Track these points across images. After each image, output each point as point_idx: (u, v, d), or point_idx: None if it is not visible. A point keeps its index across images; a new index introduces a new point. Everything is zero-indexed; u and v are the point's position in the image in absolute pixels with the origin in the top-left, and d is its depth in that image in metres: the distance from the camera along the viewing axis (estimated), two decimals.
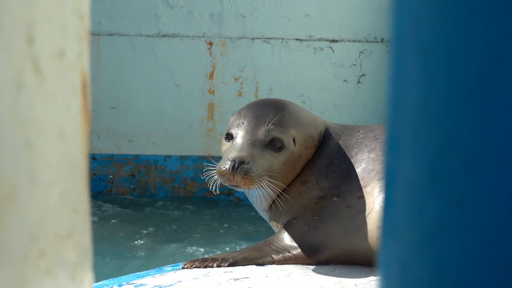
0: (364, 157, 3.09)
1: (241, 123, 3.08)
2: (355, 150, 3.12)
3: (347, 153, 3.12)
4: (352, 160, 3.10)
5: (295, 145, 3.05)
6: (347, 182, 3.06)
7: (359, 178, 3.04)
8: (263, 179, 2.93)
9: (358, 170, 3.07)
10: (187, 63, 7.07)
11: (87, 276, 1.19)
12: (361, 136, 3.17)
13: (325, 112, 7.12)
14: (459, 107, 0.73)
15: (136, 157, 7.13)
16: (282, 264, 3.07)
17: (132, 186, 7.14)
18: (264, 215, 3.27)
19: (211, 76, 7.10)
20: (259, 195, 3.12)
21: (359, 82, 7.16)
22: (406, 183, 0.80)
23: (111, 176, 7.16)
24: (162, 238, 5.86)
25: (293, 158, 3.05)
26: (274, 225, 3.24)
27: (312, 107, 7.14)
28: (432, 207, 0.78)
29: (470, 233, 0.75)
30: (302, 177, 3.12)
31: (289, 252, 3.05)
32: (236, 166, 2.90)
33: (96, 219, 6.25)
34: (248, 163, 2.93)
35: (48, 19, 0.99)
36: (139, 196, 7.08)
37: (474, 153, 0.73)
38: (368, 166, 3.07)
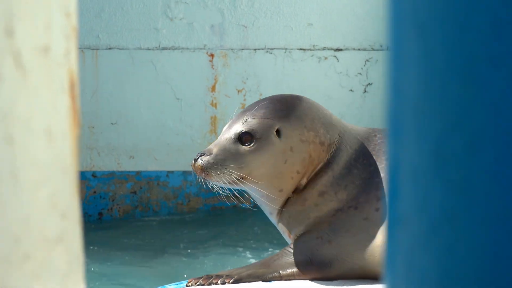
0: (383, 165, 3.05)
1: (230, 119, 3.13)
2: (374, 157, 3.07)
3: (365, 161, 3.06)
4: (371, 169, 3.05)
5: (279, 136, 3.01)
6: (366, 193, 3.02)
7: (378, 189, 3.02)
8: (221, 170, 2.95)
9: (377, 179, 3.04)
10: (188, 76, 7.11)
11: (80, 286, 1.16)
12: (378, 141, 3.12)
13: None
14: (460, 85, 0.71)
15: (138, 173, 7.15)
16: (290, 280, 3.04)
17: (134, 204, 7.15)
18: (272, 219, 3.21)
19: (213, 88, 7.13)
20: (263, 197, 3.08)
21: (365, 91, 7.19)
22: (409, 170, 0.79)
23: (112, 194, 7.17)
24: (165, 255, 5.86)
25: (276, 149, 3.00)
26: (284, 232, 3.19)
27: None
28: (437, 194, 0.77)
29: (476, 219, 0.73)
30: (320, 187, 3.07)
31: (299, 267, 3.02)
32: (196, 157, 3.00)
33: (97, 238, 6.25)
34: (208, 155, 2.99)
35: (31, 13, 0.98)
36: (141, 214, 7.12)
37: (477, 134, 0.71)
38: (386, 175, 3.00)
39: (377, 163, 3.06)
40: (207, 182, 3.00)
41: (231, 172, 2.97)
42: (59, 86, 1.12)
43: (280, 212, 3.13)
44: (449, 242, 0.77)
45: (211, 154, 2.99)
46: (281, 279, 3.04)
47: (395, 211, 0.82)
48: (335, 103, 7.14)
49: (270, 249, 5.90)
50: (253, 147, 2.99)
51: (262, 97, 6.94)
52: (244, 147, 2.98)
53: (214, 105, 7.14)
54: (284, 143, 3.02)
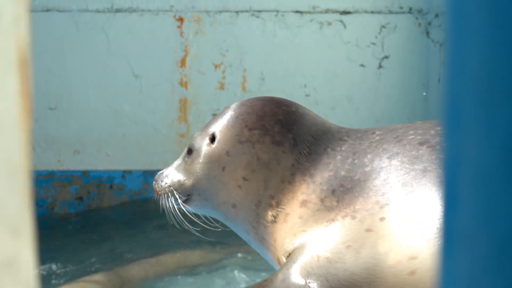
0: (384, 165, 3.16)
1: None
2: (369, 156, 3.20)
3: (357, 160, 3.20)
4: (366, 170, 3.17)
5: (212, 143, 3.34)
6: (363, 199, 3.13)
7: (379, 194, 3.12)
8: (166, 191, 3.45)
9: (376, 182, 3.15)
10: (150, 47, 7.08)
11: None
12: (377, 138, 3.25)
13: (336, 107, 7.17)
14: None
15: (85, 173, 7.13)
16: None
17: (79, 213, 7.11)
18: (255, 247, 3.40)
19: (183, 63, 7.11)
20: (221, 219, 3.39)
21: (380, 66, 7.20)
22: (474, 172, 0.79)
23: (50, 200, 7.15)
24: (128, 273, 5.83)
25: (210, 156, 3.34)
26: (273, 260, 3.34)
27: (319, 101, 7.19)
28: (510, 202, 0.76)
29: None
30: (299, 196, 3.23)
31: None
32: (154, 178, 3.59)
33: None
34: (159, 175, 3.55)
35: None
36: (88, 225, 7.03)
37: None
38: (389, 176, 3.14)
39: (376, 163, 3.17)
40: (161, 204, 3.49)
41: (173, 190, 3.41)
42: (5, 63, 1.13)
43: (261, 238, 3.30)
44: None
45: (162, 173, 3.54)
46: None
47: (454, 225, 0.82)
48: (341, 82, 7.17)
49: (263, 275, 5.89)
50: (190, 160, 3.40)
51: (247, 74, 7.11)
52: (185, 163, 3.44)
53: (184, 84, 7.12)
54: (217, 148, 3.33)
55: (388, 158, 3.17)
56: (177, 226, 3.50)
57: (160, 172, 3.52)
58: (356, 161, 3.21)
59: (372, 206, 3.10)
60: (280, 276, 3.14)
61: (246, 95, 7.09)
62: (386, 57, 7.21)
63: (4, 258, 1.09)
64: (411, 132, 3.22)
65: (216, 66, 7.12)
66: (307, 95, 7.17)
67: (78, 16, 7.03)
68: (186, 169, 3.43)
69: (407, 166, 3.13)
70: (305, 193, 3.23)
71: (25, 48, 1.17)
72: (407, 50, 7.12)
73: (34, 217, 1.18)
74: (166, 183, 3.43)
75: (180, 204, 3.38)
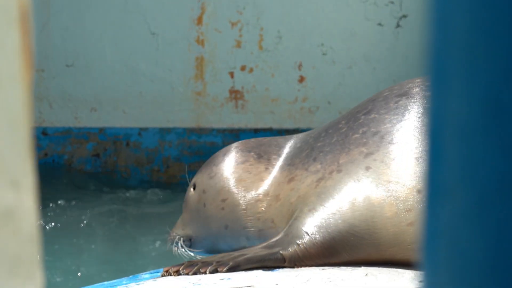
0: (360, 121, 3.27)
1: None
2: (342, 122, 3.33)
3: (330, 130, 3.36)
4: (342, 131, 3.30)
5: (193, 190, 3.63)
6: (345, 153, 3.24)
7: (361, 145, 3.22)
8: (176, 240, 3.64)
9: (356, 136, 3.25)
10: (167, 4, 7.06)
11: (35, 276, 1.19)
12: (345, 113, 3.43)
13: (353, 66, 7.14)
14: None
15: (101, 131, 7.14)
16: (296, 263, 3.16)
17: (96, 170, 7.16)
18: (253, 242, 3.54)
19: (200, 20, 7.09)
20: (221, 244, 3.56)
21: (398, 25, 7.16)
22: (456, 127, 0.81)
23: (67, 157, 7.16)
24: (138, 237, 5.94)
25: (193, 202, 3.61)
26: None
27: (336, 60, 7.16)
28: (492, 157, 0.79)
29: None
30: (285, 179, 3.38)
31: (301, 245, 3.16)
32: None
33: (50, 213, 6.31)
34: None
35: None
36: (105, 182, 7.09)
37: None
38: (369, 129, 3.24)
39: (351, 122, 3.30)
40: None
41: (179, 240, 3.63)
42: (4, 15, 1.13)
43: (260, 231, 3.43)
44: (505, 217, 0.80)
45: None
46: (284, 262, 3.16)
47: (437, 180, 0.84)
48: (358, 41, 7.13)
49: None
50: (183, 210, 3.66)
51: (264, 32, 7.08)
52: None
53: (200, 42, 7.11)
54: (197, 192, 3.61)
55: (363, 114, 3.27)
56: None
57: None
58: (330, 131, 3.35)
59: (356, 157, 3.19)
60: (283, 233, 3.20)
61: (263, 54, 7.08)
62: (404, 16, 7.16)
63: (4, 209, 1.11)
64: (386, 91, 3.32)
65: (233, 24, 7.10)
66: (323, 54, 7.14)
67: None
68: (182, 217, 3.71)
69: (385, 117, 3.20)
70: (290, 174, 3.37)
71: (26, 2, 1.18)
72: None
73: (36, 169, 1.20)
74: (172, 233, 3.69)
75: (187, 250, 3.61)
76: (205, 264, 3.14)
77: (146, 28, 7.05)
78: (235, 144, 3.72)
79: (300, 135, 3.59)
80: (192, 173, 7.02)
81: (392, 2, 7.11)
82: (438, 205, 0.85)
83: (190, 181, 3.72)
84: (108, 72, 7.05)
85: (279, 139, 3.68)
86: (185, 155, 7.09)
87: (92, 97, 7.08)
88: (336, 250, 3.15)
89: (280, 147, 3.56)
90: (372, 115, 3.24)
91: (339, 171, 3.22)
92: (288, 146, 3.55)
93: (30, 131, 1.19)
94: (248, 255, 3.16)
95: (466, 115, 0.80)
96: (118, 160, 7.15)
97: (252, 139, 3.74)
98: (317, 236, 3.15)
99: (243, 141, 3.73)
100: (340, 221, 3.15)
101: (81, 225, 6.18)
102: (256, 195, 3.47)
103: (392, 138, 3.15)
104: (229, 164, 3.60)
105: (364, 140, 3.22)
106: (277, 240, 3.20)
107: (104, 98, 7.08)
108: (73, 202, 6.62)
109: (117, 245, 5.82)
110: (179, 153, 7.10)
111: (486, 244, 0.81)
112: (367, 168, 3.18)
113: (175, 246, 3.62)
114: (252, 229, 3.47)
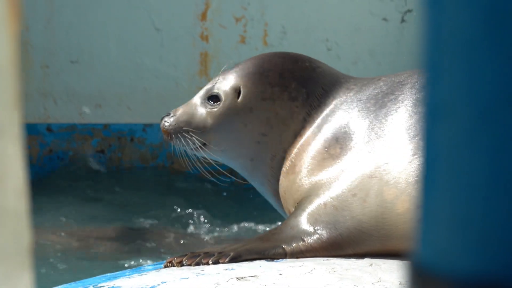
0: (387, 110, 3.21)
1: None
2: (372, 101, 3.24)
3: (360, 107, 3.25)
4: (371, 116, 3.21)
5: (238, 97, 3.36)
6: (369, 144, 3.17)
7: (382, 138, 3.16)
8: (182, 133, 3.38)
9: (379, 126, 3.19)
10: (171, 0, 7.07)
11: (23, 229, 1.18)
12: (381, 84, 3.29)
13: (358, 62, 7.11)
14: None
15: (106, 126, 7.12)
16: (298, 257, 3.14)
17: (100, 166, 7.12)
18: (273, 202, 3.44)
19: (204, 16, 7.08)
20: (237, 169, 3.41)
21: (403, 20, 7.14)
22: (455, 40, 0.79)
23: (72, 153, 7.14)
24: (142, 230, 5.94)
25: (235, 111, 3.37)
26: (286, 213, 3.36)
27: (341, 56, 7.13)
28: (493, 70, 0.76)
29: None
30: (307, 148, 3.29)
31: (305, 241, 3.14)
32: (162, 117, 3.47)
33: (53, 210, 6.31)
34: (173, 115, 3.44)
35: None
36: (110, 178, 7.08)
37: None
38: (393, 121, 3.17)
39: (378, 108, 3.22)
40: (173, 146, 3.42)
41: (192, 136, 3.36)
42: None
43: (274, 190, 3.36)
44: (507, 131, 0.78)
45: (175, 115, 3.43)
46: (285, 256, 3.15)
47: (435, 99, 0.82)
48: (363, 36, 7.11)
49: (278, 221, 5.92)
50: (216, 109, 3.40)
51: (268, 28, 7.07)
52: (208, 110, 3.41)
53: (204, 38, 7.09)
54: (242, 103, 3.38)
55: (391, 102, 3.22)
56: (190, 170, 3.54)
57: (172, 112, 3.47)
58: (359, 108, 3.26)
59: (375, 151, 3.14)
60: (289, 224, 3.18)
61: (267, 49, 7.06)
62: (409, 11, 7.14)
63: None
64: (417, 76, 3.25)
65: (237, 20, 7.09)
66: (328, 49, 7.13)
67: None
68: (206, 115, 3.42)
69: (410, 109, 3.16)
70: (311, 144, 3.30)
71: None
72: None
73: (22, 120, 1.18)
74: (180, 124, 3.41)
75: (196, 148, 3.39)
76: (207, 255, 3.13)
77: (151, 24, 7.05)
78: (294, 59, 3.45)
79: (357, 82, 3.37)
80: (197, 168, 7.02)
81: None
82: (435, 127, 0.83)
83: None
84: (112, 68, 7.05)
85: (336, 75, 3.44)
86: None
87: (96, 93, 7.08)
88: (341, 246, 3.14)
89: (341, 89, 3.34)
90: (397, 105, 3.20)
91: (356, 163, 3.17)
92: (334, 92, 3.35)
93: (16, 80, 1.17)
94: (249, 246, 3.16)
95: (465, 28, 0.78)
96: (123, 156, 7.14)
97: (313, 60, 3.47)
98: (324, 232, 3.14)
99: (302, 57, 3.46)
100: (348, 217, 3.13)
101: (86, 219, 6.20)
102: (283, 152, 3.37)
103: (413, 135, 3.09)
104: (284, 95, 3.39)
105: (386, 134, 3.17)
106: (280, 230, 3.18)
107: (109, 93, 7.08)
108: (77, 198, 6.63)
109: (122, 239, 5.82)
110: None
111: (487, 161, 0.79)
112: (386, 164, 3.13)
113: (191, 148, 3.38)
114: (269, 183, 3.41)
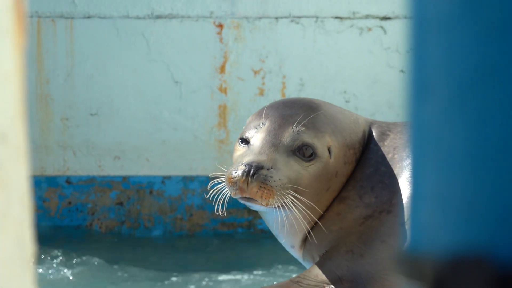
0: None
1: (261, 124, 3.16)
2: (407, 150, 3.21)
3: (397, 155, 3.17)
4: (405, 163, 3.14)
5: (330, 157, 3.12)
6: (401, 193, 3.10)
7: None
8: (287, 193, 3.00)
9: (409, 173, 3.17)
10: (190, 53, 7.14)
11: (25, 235, 1.18)
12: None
13: (376, 113, 7.18)
14: None
15: (125, 179, 7.17)
16: None
17: (119, 219, 7.19)
18: (295, 253, 3.32)
19: (222, 69, 7.15)
20: (286, 227, 3.16)
21: None
22: (435, 19, 0.82)
23: (91, 206, 7.18)
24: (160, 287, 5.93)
25: (327, 173, 3.12)
26: (309, 263, 3.27)
27: (359, 108, 7.20)
28: (469, 46, 0.80)
29: None
30: (340, 193, 3.19)
31: None
32: (252, 171, 2.98)
33: (73, 263, 6.32)
34: (268, 168, 3.01)
35: None
36: (129, 231, 7.16)
37: None
38: None
39: (406, 169, 3.17)
40: (250, 205, 3.04)
41: (297, 198, 3.03)
42: None
43: (304, 243, 3.24)
44: (484, 107, 0.81)
45: (273, 168, 3.02)
46: None
47: (420, 77, 0.86)
48: (381, 88, 7.17)
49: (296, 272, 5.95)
50: (313, 165, 3.08)
51: (286, 80, 7.12)
52: (303, 164, 3.07)
53: (223, 90, 7.16)
54: (333, 165, 3.14)
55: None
56: (243, 220, 3.37)
57: (262, 166, 3.03)
58: (396, 156, 3.17)
59: (409, 200, 3.10)
60: (313, 272, 3.11)
61: None
62: None
63: None
64: None
65: (255, 72, 7.16)
66: (347, 101, 7.17)
67: (119, 23, 7.12)
68: (302, 171, 3.13)
69: None
70: (345, 189, 3.18)
71: None
72: None
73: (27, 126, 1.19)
74: (285, 181, 3.04)
75: (287, 205, 3.06)
76: None
77: (169, 77, 7.13)
78: (343, 113, 3.25)
79: (392, 128, 3.25)
80: (216, 221, 6.97)
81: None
82: (421, 104, 0.86)
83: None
84: (131, 120, 7.13)
85: (367, 120, 3.32)
86: (208, 203, 7.06)
87: (115, 145, 7.14)
88: None
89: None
90: None
91: (388, 211, 3.09)
92: (369, 137, 3.23)
93: (21, 89, 1.19)
94: None
95: (446, 7, 0.80)
96: (142, 209, 7.17)
97: (341, 109, 3.31)
98: (348, 281, 3.05)
99: (338, 108, 3.28)
100: (378, 271, 3.04)
101: (107, 270, 6.20)
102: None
103: None
104: (354, 159, 3.20)
105: None
106: (303, 278, 3.09)
107: (127, 146, 7.14)
108: (97, 250, 6.60)
109: None
110: (203, 202, 7.09)
111: (468, 134, 0.82)
112: None
113: (282, 205, 2.99)
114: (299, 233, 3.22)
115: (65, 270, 6.09)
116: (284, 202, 2.99)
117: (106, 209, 7.18)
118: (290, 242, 3.26)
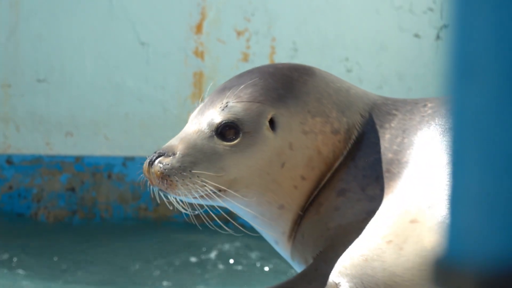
0: (436, 144, 3.16)
1: (200, 101, 3.28)
2: (419, 134, 3.16)
3: (406, 139, 3.18)
4: (416, 150, 3.16)
5: (274, 128, 3.11)
6: (411, 185, 3.11)
7: (428, 178, 3.09)
8: (190, 178, 3.05)
9: (427, 165, 3.14)
10: (160, 9, 6.91)
11: None
12: (429, 112, 3.22)
13: (384, 86, 6.90)
14: None
15: (78, 160, 6.95)
16: None
17: (71, 207, 6.95)
18: (281, 249, 3.34)
19: (199, 29, 6.90)
20: (251, 218, 3.18)
21: (438, 37, 6.91)
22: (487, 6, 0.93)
23: (36, 191, 6.96)
24: None
25: (270, 148, 3.12)
26: (300, 263, 3.28)
27: (363, 79, 6.93)
28: None
29: None
30: (338, 184, 3.19)
31: None
32: (152, 159, 3.11)
33: (12, 260, 6.05)
34: (170, 155, 3.09)
35: None
36: (82, 223, 6.92)
37: None
38: (442, 158, 3.12)
39: (427, 142, 3.16)
40: (167, 195, 3.13)
41: (205, 182, 3.08)
42: None
43: (293, 238, 3.27)
44: None
45: (175, 154, 3.11)
46: None
47: (463, 60, 0.85)
48: (391, 56, 6.93)
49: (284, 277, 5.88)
50: (237, 144, 3.12)
51: (276, 44, 6.86)
52: (225, 145, 3.12)
53: (199, 54, 6.90)
54: (281, 138, 3.14)
55: (441, 135, 3.14)
56: (219, 211, 3.37)
57: (164, 149, 3.12)
58: (405, 140, 3.14)
59: (419, 193, 3.04)
60: (306, 276, 3.11)
61: None
62: (445, 26, 7.02)
63: None
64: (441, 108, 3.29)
65: (239, 33, 6.90)
66: (348, 71, 6.90)
67: None
68: (224, 153, 3.11)
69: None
70: (344, 180, 3.15)
71: None
72: None
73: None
74: (186, 166, 3.03)
75: (208, 195, 3.05)
76: None
77: (135, 37, 6.86)
78: (326, 78, 3.19)
79: (399, 107, 3.20)
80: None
81: (431, 9, 6.87)
82: (464, 89, 0.85)
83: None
84: (87, 89, 6.88)
85: (371, 97, 3.27)
86: None
87: (67, 119, 6.89)
88: None
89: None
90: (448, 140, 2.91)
91: (397, 206, 3.08)
92: (373, 117, 3.21)
93: None
94: None
95: None
96: (98, 196, 6.92)
97: (341, 80, 3.25)
98: (347, 287, 3.09)
99: (331, 76, 3.24)
100: (379, 269, 3.03)
101: (55, 267, 5.89)
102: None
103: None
104: (327, 128, 3.15)
105: (433, 173, 3.05)
106: (294, 284, 3.10)
107: (82, 120, 6.90)
108: (42, 248, 6.32)
109: None
110: None
111: None
112: (429, 207, 3.03)
113: (198, 196, 2.99)
114: (290, 232, 3.22)
115: (1, 267, 5.94)
116: (194, 189, 3.01)
117: (54, 195, 6.94)
118: (272, 237, 3.27)
